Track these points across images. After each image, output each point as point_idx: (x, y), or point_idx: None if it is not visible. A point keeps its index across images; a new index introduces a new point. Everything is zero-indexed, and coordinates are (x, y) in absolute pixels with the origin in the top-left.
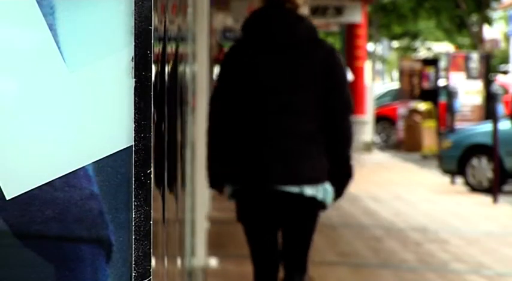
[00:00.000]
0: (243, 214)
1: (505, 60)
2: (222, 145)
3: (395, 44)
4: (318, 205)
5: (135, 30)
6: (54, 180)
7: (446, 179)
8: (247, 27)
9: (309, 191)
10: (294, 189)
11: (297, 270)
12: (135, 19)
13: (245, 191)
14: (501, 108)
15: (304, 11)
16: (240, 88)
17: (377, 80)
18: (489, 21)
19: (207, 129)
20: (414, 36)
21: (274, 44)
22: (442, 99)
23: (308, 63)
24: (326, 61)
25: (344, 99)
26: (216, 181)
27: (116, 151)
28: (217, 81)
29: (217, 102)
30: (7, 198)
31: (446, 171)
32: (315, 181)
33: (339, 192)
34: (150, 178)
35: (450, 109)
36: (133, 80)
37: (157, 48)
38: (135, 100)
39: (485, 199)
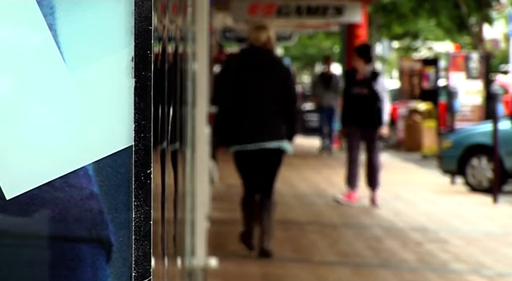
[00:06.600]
0: (240, 161)
1: (505, 60)
2: (228, 121)
3: (396, 44)
4: (284, 153)
5: (135, 30)
6: (54, 180)
7: (446, 179)
8: (240, 58)
9: (282, 145)
10: (274, 144)
11: (267, 195)
12: (135, 19)
13: (244, 148)
14: (501, 108)
15: (271, 46)
16: (238, 89)
17: None
18: (489, 20)
19: (219, 111)
20: (415, 36)
21: (253, 67)
22: (442, 99)
23: (273, 76)
24: (283, 74)
25: (292, 94)
26: (225, 141)
27: (116, 151)
28: (223, 84)
29: (225, 96)
30: (7, 198)
31: (446, 171)
32: (282, 139)
33: (290, 140)
34: (150, 178)
35: (450, 109)
36: (133, 80)
37: (157, 48)
38: (135, 100)
39: (485, 199)
